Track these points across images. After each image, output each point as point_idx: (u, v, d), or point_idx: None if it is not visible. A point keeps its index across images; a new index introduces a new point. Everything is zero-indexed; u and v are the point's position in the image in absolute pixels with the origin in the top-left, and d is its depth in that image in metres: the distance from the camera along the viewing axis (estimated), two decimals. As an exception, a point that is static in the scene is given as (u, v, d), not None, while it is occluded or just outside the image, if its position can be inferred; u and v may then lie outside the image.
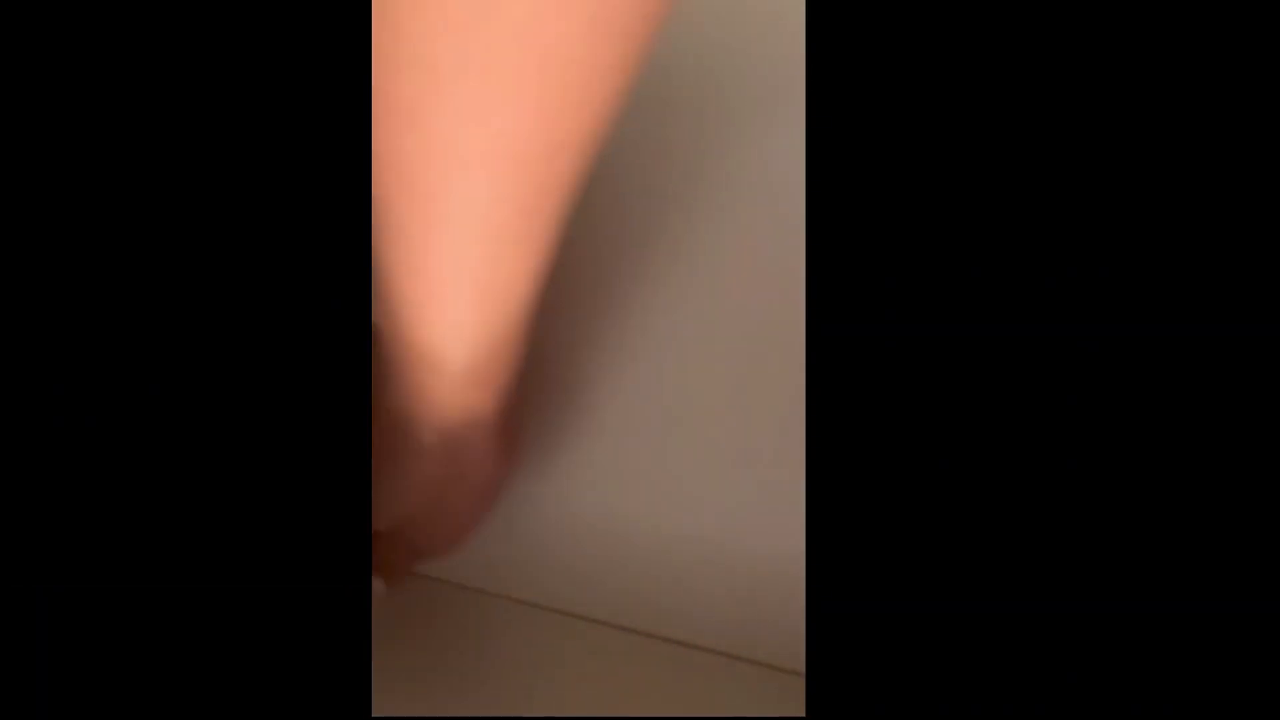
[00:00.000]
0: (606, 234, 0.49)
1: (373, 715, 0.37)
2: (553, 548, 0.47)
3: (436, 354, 0.31)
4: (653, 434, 0.47)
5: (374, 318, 0.33)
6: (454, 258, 0.28)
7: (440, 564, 0.46)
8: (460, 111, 0.25)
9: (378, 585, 0.41)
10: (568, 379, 0.46)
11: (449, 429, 0.34)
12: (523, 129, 0.25)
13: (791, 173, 0.50)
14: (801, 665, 0.43)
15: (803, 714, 0.46)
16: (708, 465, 0.47)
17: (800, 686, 0.39)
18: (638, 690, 0.43)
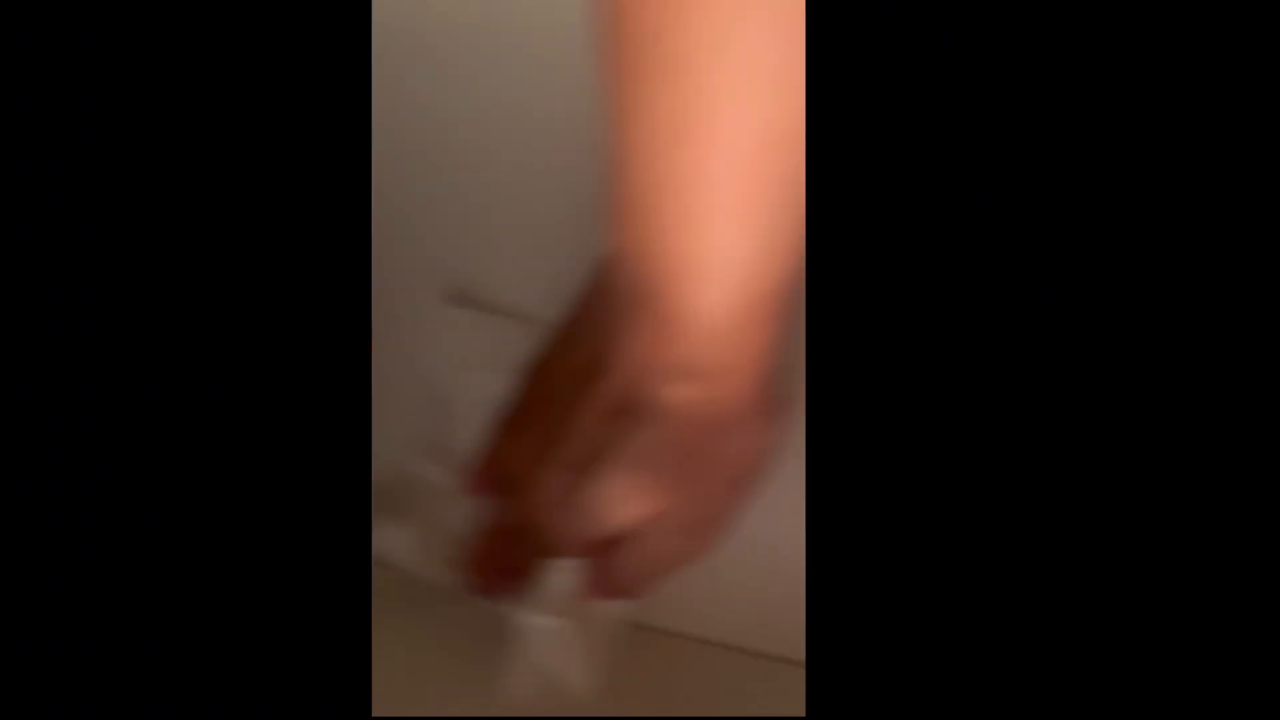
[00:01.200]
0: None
1: (372, 715, 0.37)
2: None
3: (704, 309, 0.30)
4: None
5: (626, 278, 0.32)
6: (730, 214, 0.29)
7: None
8: (743, 67, 0.26)
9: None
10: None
11: (703, 387, 0.32)
12: (792, 106, 0.27)
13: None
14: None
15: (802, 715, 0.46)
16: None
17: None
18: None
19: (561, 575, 0.36)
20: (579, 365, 0.35)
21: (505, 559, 0.38)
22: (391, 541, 0.42)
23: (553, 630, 0.36)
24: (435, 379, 0.42)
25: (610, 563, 0.35)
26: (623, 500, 0.33)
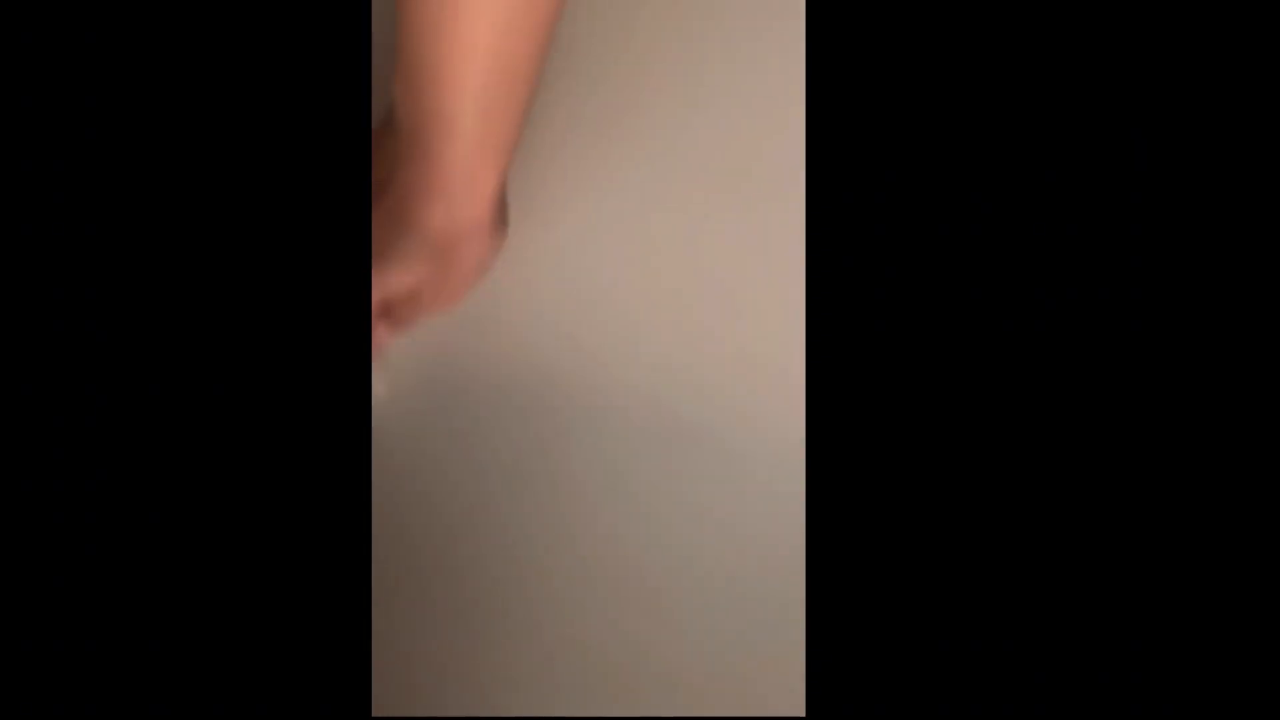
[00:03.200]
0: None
1: (372, 715, 0.37)
2: None
3: (454, 119, 0.42)
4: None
5: (394, 107, 0.44)
6: (474, 85, 0.41)
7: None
8: None
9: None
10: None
11: (453, 214, 0.45)
12: (521, 6, 0.38)
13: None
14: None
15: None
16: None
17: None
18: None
19: None
20: (377, 202, 0.48)
21: None
22: None
23: None
24: None
25: (387, 320, 0.49)
26: (397, 281, 0.47)
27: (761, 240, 0.54)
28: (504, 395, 0.53)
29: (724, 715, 0.49)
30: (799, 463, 0.49)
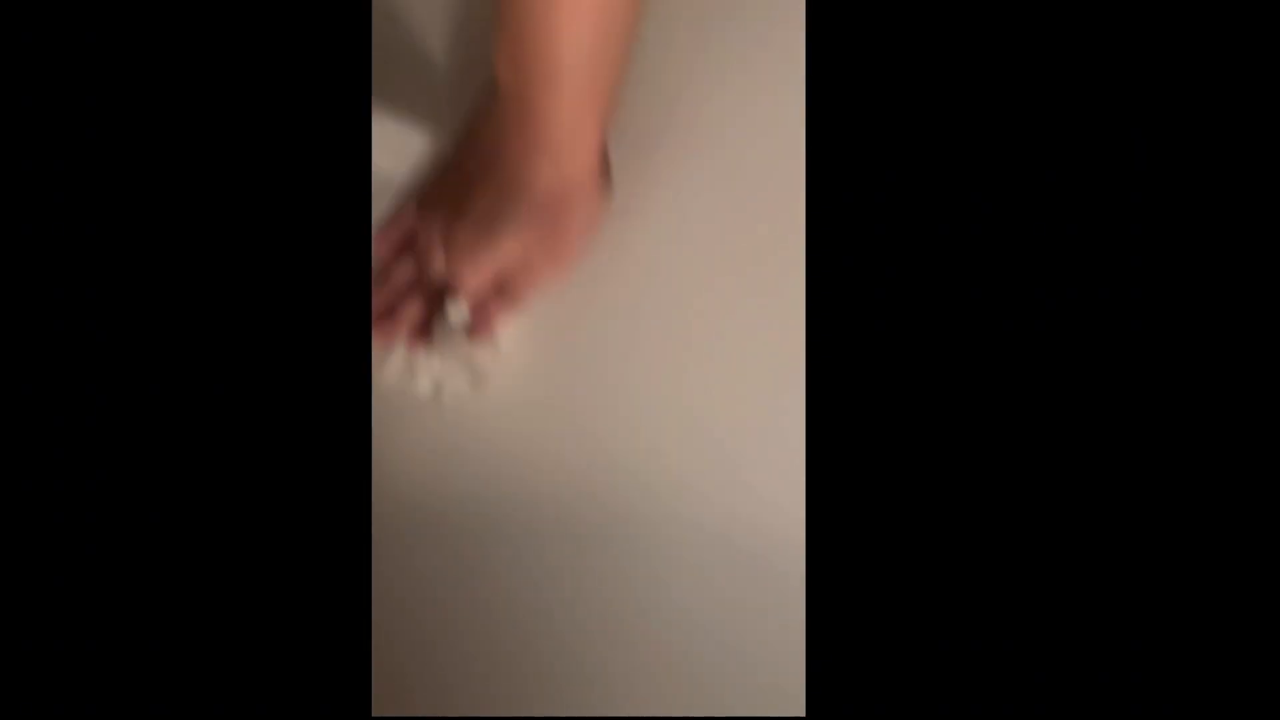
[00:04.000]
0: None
1: (372, 715, 0.37)
2: None
3: (559, 73, 0.43)
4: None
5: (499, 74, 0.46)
6: (573, 37, 0.42)
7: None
8: None
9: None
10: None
11: (560, 171, 0.47)
12: None
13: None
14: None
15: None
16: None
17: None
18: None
19: (457, 309, 0.52)
20: (479, 155, 0.50)
21: (401, 315, 0.52)
22: None
23: (456, 332, 0.52)
24: None
25: (502, 296, 0.51)
26: (509, 250, 0.49)
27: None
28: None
29: (724, 715, 0.49)
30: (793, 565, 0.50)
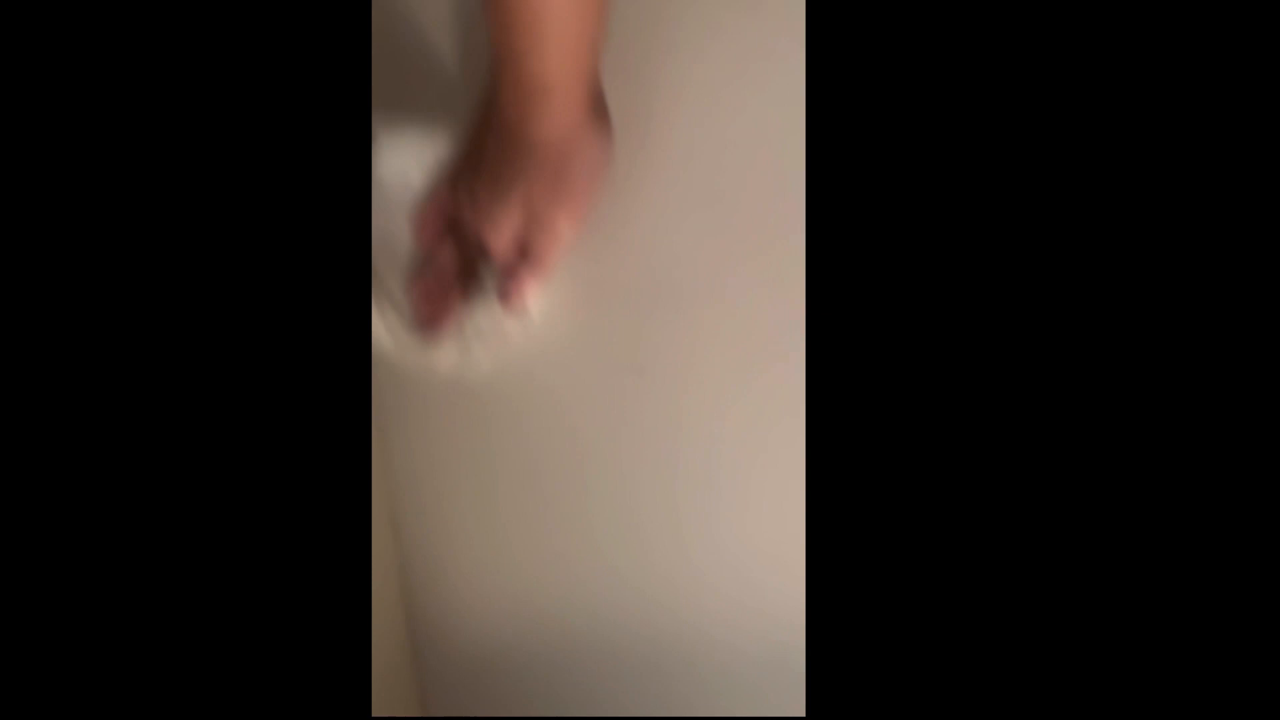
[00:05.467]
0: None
1: (372, 715, 0.37)
2: None
3: (540, 23, 0.45)
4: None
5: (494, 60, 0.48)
6: (560, 11, 0.45)
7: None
8: None
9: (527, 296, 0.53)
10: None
11: (556, 119, 0.49)
12: None
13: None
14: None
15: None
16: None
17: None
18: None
19: (493, 274, 0.53)
20: (484, 120, 0.52)
21: (445, 297, 0.54)
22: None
23: (493, 303, 0.54)
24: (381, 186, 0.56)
25: (527, 261, 0.52)
26: (519, 206, 0.51)
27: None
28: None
29: (724, 715, 0.49)
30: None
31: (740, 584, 0.50)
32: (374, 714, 0.46)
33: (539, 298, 0.53)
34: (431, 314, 0.54)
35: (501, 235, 0.52)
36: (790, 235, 0.49)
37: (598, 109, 0.50)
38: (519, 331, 0.54)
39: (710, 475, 0.51)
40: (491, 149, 0.50)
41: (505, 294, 0.52)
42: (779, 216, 0.50)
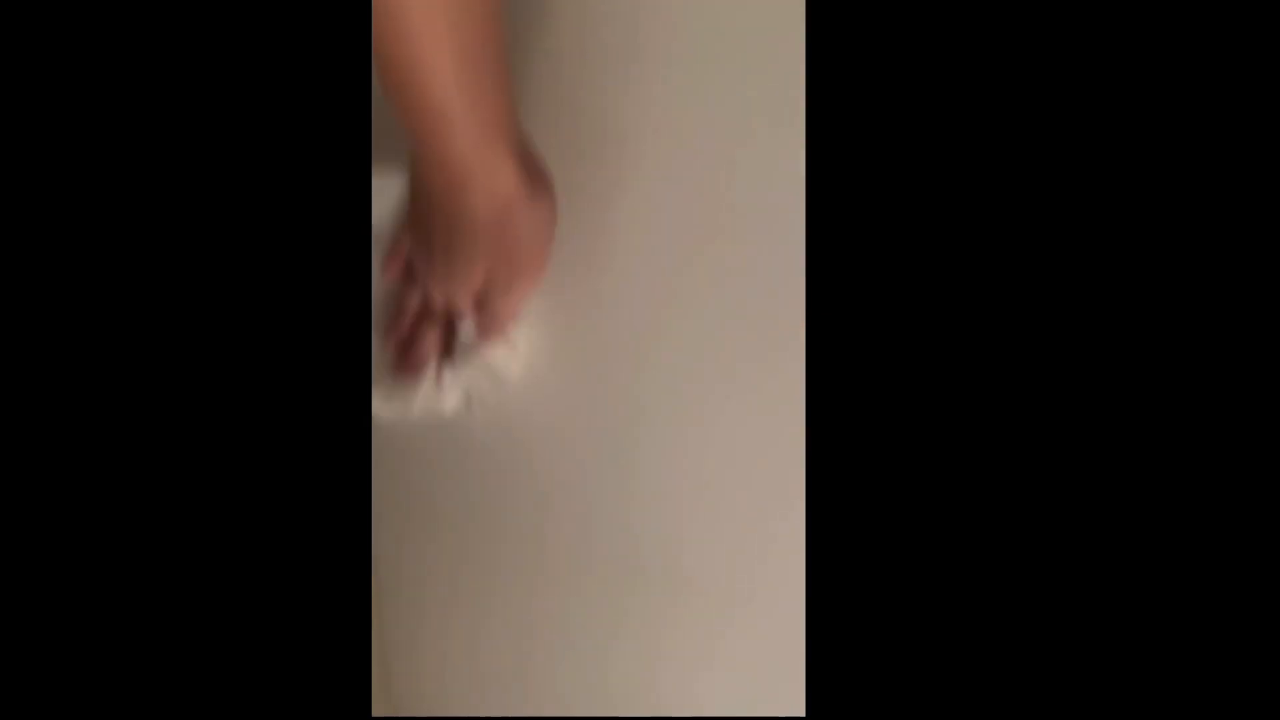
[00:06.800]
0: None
1: (372, 715, 0.37)
2: None
3: (445, 111, 0.45)
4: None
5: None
6: (432, 28, 0.42)
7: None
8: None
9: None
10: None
11: (491, 195, 0.48)
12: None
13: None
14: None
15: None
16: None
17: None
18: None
19: (467, 326, 0.55)
20: (421, 196, 0.52)
21: (420, 342, 0.56)
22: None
23: (474, 351, 0.55)
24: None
25: (484, 314, 0.54)
26: (472, 278, 0.52)
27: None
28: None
29: (724, 715, 0.49)
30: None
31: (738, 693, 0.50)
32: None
33: (516, 345, 0.55)
34: (407, 359, 0.55)
35: (460, 299, 0.53)
36: (788, 299, 0.48)
37: (532, 175, 0.50)
38: (496, 373, 0.55)
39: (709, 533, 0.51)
40: (436, 228, 0.51)
41: (486, 331, 0.54)
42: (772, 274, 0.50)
